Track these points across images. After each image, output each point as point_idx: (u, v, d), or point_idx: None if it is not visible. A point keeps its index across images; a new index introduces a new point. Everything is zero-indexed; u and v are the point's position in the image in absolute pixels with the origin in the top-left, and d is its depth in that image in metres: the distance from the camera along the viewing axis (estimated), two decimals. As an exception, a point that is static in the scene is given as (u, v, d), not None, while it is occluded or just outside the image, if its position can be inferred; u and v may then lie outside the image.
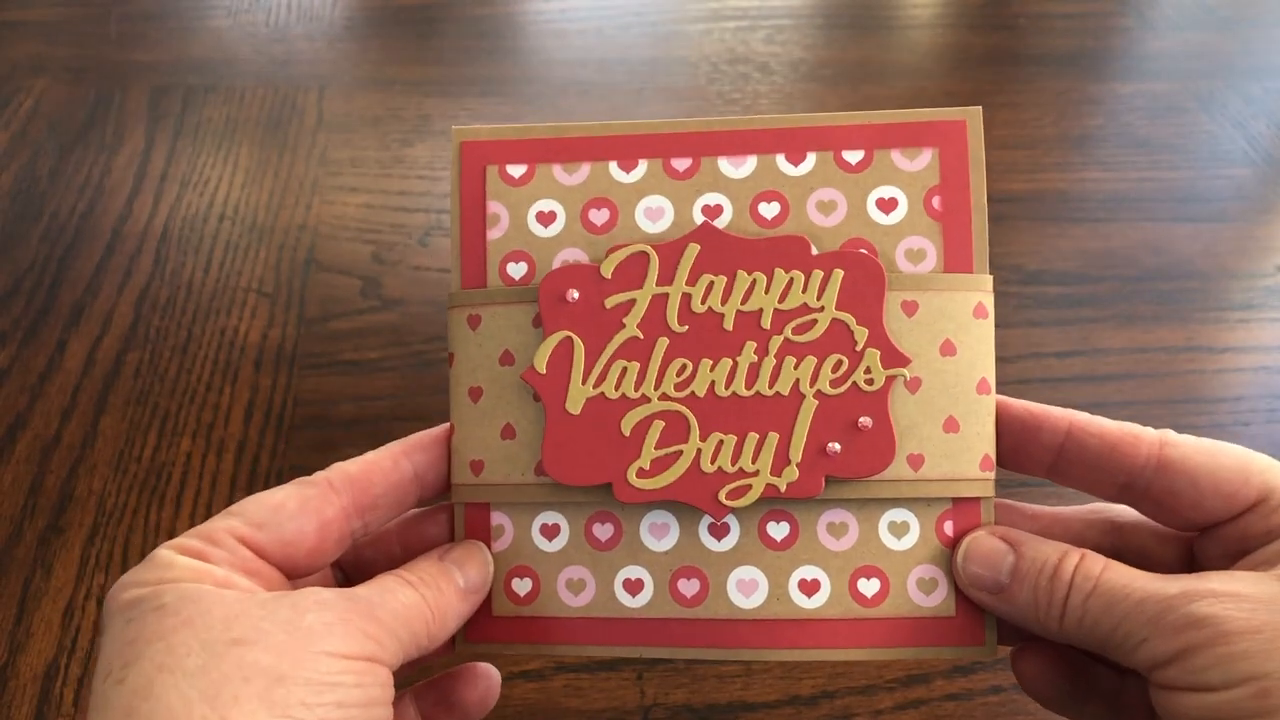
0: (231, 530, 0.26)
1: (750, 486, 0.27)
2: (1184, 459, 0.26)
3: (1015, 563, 0.26)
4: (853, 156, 0.28)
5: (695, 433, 0.27)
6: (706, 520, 0.28)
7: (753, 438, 0.27)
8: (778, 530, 0.28)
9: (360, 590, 0.26)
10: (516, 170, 0.29)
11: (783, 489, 0.27)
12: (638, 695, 0.40)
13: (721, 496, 0.27)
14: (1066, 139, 0.71)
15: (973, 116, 0.30)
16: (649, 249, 0.28)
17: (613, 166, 0.29)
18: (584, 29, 0.81)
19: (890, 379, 0.27)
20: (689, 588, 0.28)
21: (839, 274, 0.27)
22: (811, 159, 0.28)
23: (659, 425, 0.27)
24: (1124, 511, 0.29)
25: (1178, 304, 0.58)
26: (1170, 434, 0.27)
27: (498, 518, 0.29)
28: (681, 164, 0.29)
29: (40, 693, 0.39)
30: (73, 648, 0.41)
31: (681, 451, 0.27)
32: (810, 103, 0.74)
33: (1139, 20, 0.85)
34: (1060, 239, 0.62)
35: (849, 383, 0.27)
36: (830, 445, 0.27)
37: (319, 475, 0.28)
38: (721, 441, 0.27)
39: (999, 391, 0.28)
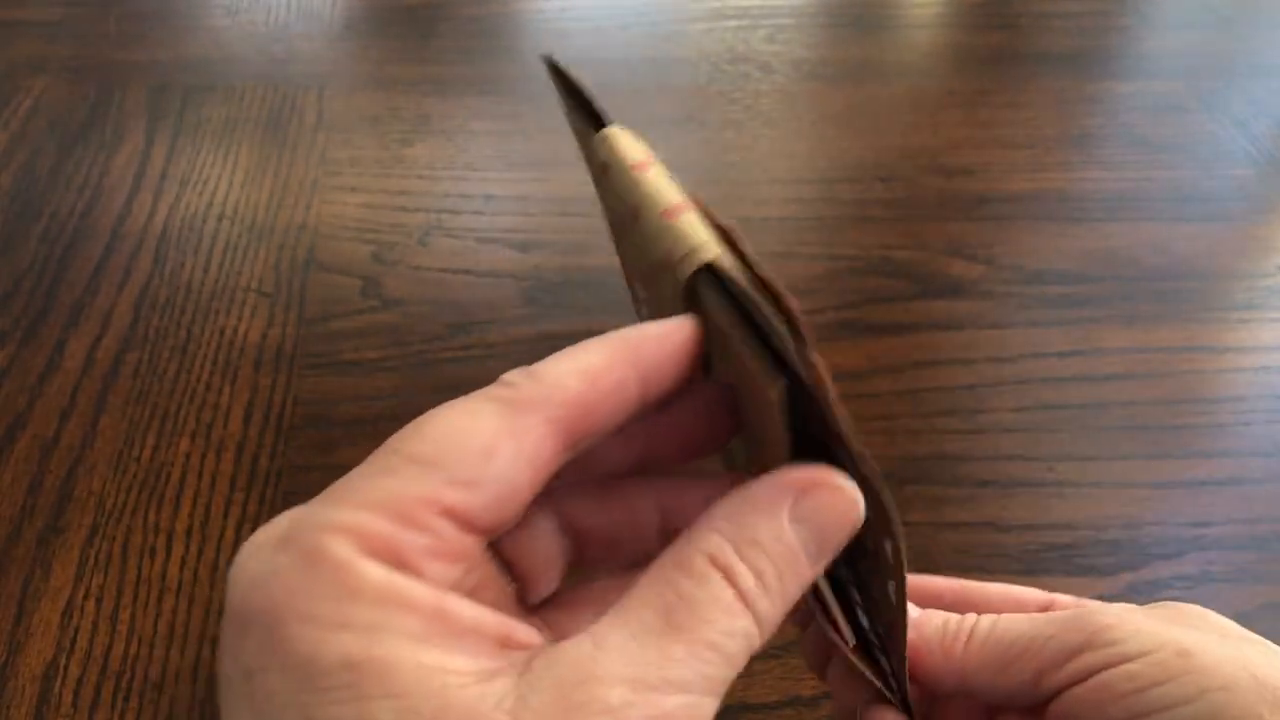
0: (434, 501, 0.17)
1: None
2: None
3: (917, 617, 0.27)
4: None
5: None
6: None
7: None
8: None
9: (678, 651, 0.17)
10: None
11: None
12: (638, 696, 0.40)
13: None
14: (1067, 138, 0.71)
15: None
16: None
17: None
18: (584, 28, 0.81)
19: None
20: None
21: None
22: None
23: None
24: None
25: (1179, 304, 0.58)
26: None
27: None
28: None
29: (39, 693, 0.39)
30: (71, 648, 0.41)
31: None
32: (812, 101, 0.74)
33: (1140, 19, 0.85)
34: (1061, 238, 0.62)
35: None
36: None
37: (523, 385, 0.19)
38: None
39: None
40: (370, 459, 0.18)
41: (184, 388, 0.51)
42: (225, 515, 0.46)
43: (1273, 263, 0.61)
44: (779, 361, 0.18)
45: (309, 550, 0.17)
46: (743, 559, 0.18)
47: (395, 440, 0.18)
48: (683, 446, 0.22)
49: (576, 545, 0.22)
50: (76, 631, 0.41)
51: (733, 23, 0.83)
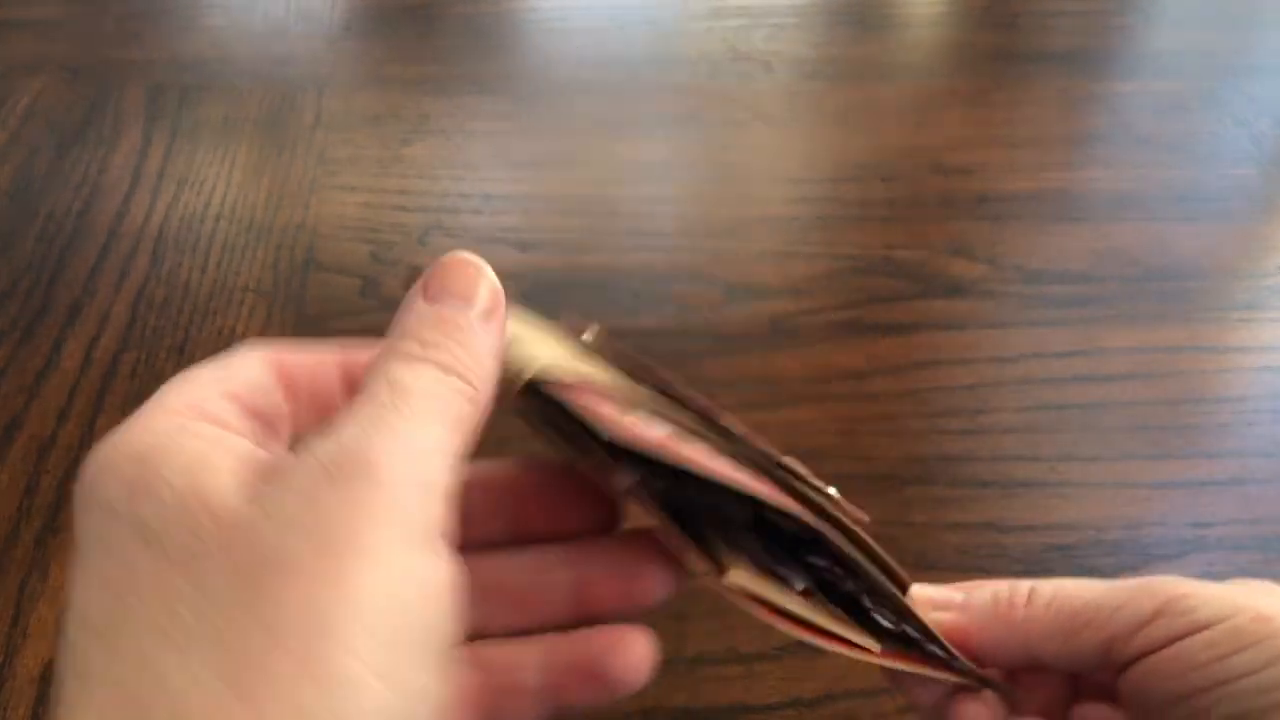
0: (214, 393, 0.20)
1: None
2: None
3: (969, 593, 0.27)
4: None
5: None
6: None
7: None
8: None
9: (399, 420, 0.18)
10: None
11: None
12: (639, 696, 0.39)
13: None
14: (1069, 138, 0.71)
15: None
16: None
17: None
18: (584, 27, 0.81)
19: None
20: None
21: None
22: None
23: None
24: None
25: (1181, 303, 0.58)
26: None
27: None
28: None
29: (37, 695, 0.39)
30: (69, 650, 0.41)
31: None
32: (813, 101, 0.74)
33: (1141, 18, 0.85)
34: (1062, 238, 0.62)
35: None
36: None
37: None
38: None
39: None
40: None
41: (182, 388, 0.51)
42: (223, 516, 0.45)
43: (1274, 262, 0.61)
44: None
45: (118, 437, 0.19)
46: (409, 347, 0.20)
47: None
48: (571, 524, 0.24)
49: (484, 606, 0.23)
50: (73, 633, 0.41)
51: (733, 21, 0.83)
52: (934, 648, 0.25)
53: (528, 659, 0.23)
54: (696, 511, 0.22)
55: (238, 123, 0.69)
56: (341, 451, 0.17)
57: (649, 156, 0.67)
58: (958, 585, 0.28)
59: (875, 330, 0.56)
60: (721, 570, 0.22)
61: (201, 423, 0.19)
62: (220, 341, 0.54)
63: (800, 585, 0.23)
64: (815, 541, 0.23)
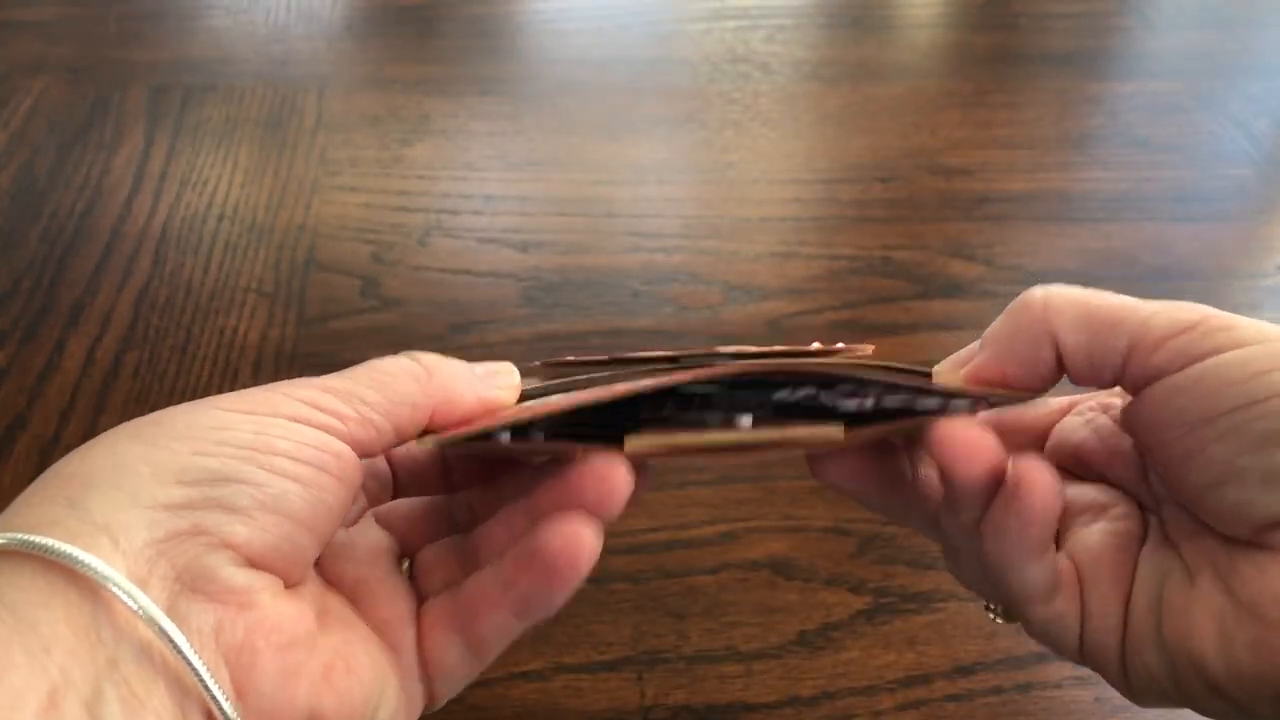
0: None
1: None
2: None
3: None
4: None
5: None
6: None
7: None
8: None
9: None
10: None
11: None
12: (638, 695, 0.40)
13: None
14: (1067, 138, 0.71)
15: None
16: None
17: None
18: (584, 28, 0.81)
19: None
20: None
21: None
22: None
23: None
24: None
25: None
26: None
27: None
28: None
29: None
30: (71, 648, 0.41)
31: None
32: (811, 102, 0.74)
33: (1140, 19, 0.85)
34: (1061, 238, 0.62)
35: None
36: None
37: None
38: None
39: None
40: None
41: (184, 388, 0.51)
42: (225, 515, 0.46)
43: (1273, 263, 0.62)
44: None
45: None
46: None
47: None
48: None
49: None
50: (76, 631, 0.41)
51: (732, 23, 0.83)
52: (930, 400, 0.25)
53: (486, 575, 0.25)
54: (596, 425, 0.25)
55: (239, 123, 0.70)
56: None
57: (648, 157, 0.67)
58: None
59: (874, 331, 0.56)
60: (621, 447, 0.24)
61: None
62: (222, 341, 0.54)
63: (746, 421, 0.25)
64: (769, 385, 0.25)
